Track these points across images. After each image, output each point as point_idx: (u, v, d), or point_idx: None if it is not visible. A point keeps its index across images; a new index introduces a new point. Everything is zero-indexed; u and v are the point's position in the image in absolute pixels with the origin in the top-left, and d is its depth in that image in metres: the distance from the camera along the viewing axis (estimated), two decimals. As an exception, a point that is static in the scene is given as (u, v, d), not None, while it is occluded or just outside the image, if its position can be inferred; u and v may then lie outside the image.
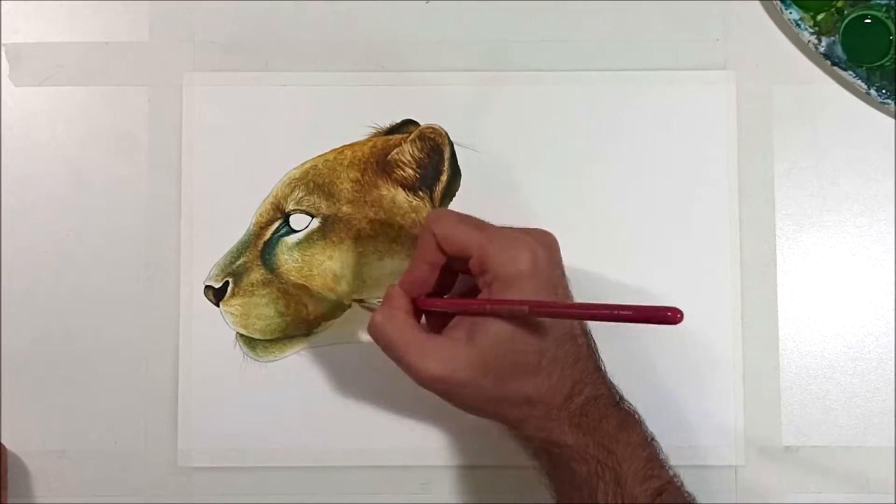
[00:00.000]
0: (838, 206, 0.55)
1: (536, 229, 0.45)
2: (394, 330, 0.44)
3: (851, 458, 0.53)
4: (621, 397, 0.45)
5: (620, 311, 0.39)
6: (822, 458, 0.53)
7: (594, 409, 0.44)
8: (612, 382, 0.45)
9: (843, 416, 0.53)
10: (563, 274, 0.45)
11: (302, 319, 0.54)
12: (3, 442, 0.53)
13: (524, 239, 0.43)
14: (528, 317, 0.42)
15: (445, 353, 0.43)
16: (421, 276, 0.46)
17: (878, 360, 0.54)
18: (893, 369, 0.54)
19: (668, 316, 0.37)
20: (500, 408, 0.44)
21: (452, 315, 0.45)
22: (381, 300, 0.47)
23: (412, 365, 0.43)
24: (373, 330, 0.45)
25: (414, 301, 0.46)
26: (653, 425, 0.53)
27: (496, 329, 0.42)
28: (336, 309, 0.54)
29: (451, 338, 0.44)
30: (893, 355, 0.54)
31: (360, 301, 0.53)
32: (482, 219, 0.45)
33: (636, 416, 0.45)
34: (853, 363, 0.54)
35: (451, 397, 0.44)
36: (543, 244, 0.44)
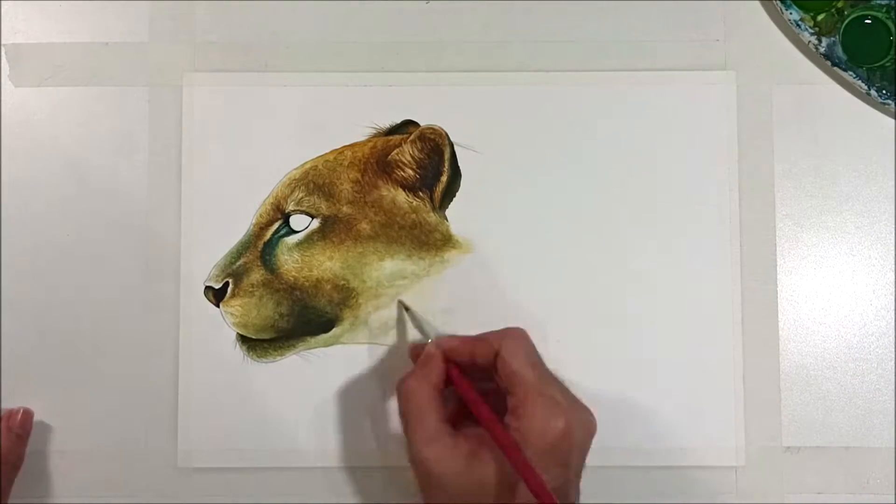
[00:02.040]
0: (838, 206, 0.55)
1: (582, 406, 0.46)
2: (419, 402, 0.46)
3: (851, 458, 0.53)
4: None
5: None
6: (822, 458, 0.53)
7: None
8: None
9: (843, 416, 0.54)
10: (583, 459, 0.46)
11: (302, 320, 0.54)
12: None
13: (572, 417, 0.44)
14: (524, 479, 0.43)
15: (447, 455, 0.45)
16: (465, 351, 0.48)
17: (878, 360, 0.54)
18: (893, 369, 0.54)
19: None
20: None
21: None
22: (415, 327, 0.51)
23: (415, 443, 0.45)
24: (403, 390, 0.46)
25: (447, 366, 0.47)
26: (653, 425, 0.53)
27: (498, 468, 0.44)
28: (337, 310, 0.54)
29: (458, 443, 0.45)
30: (893, 355, 0.54)
31: (406, 308, 0.53)
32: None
33: None
34: (853, 363, 0.54)
35: (427, 490, 0.45)
36: (580, 429, 0.45)
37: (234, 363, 0.53)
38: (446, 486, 0.44)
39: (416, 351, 0.50)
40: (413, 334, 0.53)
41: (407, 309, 0.53)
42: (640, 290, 0.54)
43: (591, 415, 0.46)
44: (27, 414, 0.53)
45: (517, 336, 0.47)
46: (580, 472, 0.46)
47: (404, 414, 0.46)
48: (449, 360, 0.48)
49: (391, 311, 0.54)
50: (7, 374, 0.54)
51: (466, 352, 0.48)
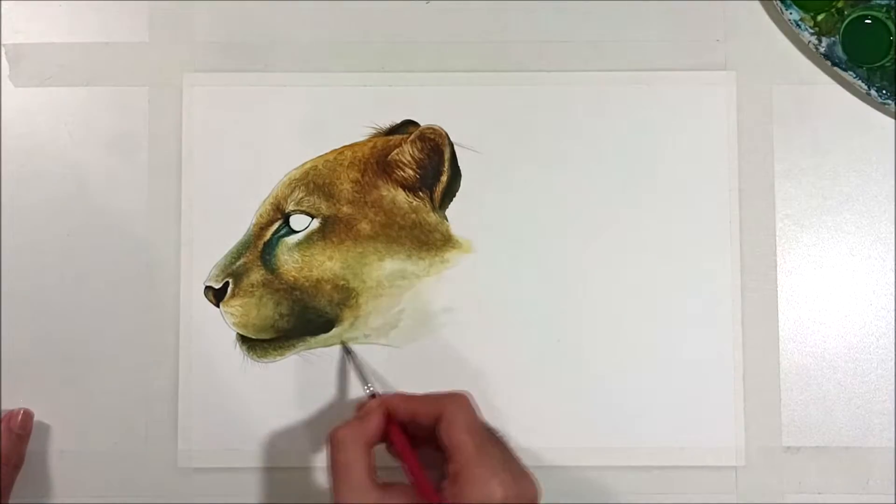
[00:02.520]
0: (838, 206, 0.55)
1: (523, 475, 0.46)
2: (348, 454, 0.46)
3: (851, 458, 0.53)
4: None
5: None
6: (822, 458, 0.53)
7: None
8: None
9: (843, 416, 0.54)
10: None
11: (302, 320, 0.54)
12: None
13: (511, 490, 0.44)
14: None
15: None
16: (407, 410, 0.48)
17: (878, 360, 0.54)
18: (893, 369, 0.54)
19: None
20: None
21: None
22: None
23: (338, 495, 0.45)
24: (334, 439, 0.46)
25: (387, 422, 0.47)
26: (653, 426, 0.53)
27: None
28: (337, 310, 0.54)
29: (383, 500, 0.45)
30: (893, 355, 0.54)
31: (348, 352, 0.53)
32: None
33: None
34: (853, 363, 0.54)
35: None
36: (524, 498, 0.45)
37: (234, 363, 0.53)
38: None
39: (361, 405, 0.50)
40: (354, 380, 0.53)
41: (349, 352, 0.53)
42: (640, 289, 0.54)
43: (533, 485, 0.45)
44: (27, 414, 0.53)
45: (460, 402, 0.47)
46: None
47: (332, 464, 0.46)
48: (391, 416, 0.48)
49: (391, 311, 0.54)
50: (7, 374, 0.54)
51: (409, 410, 0.47)
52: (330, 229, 0.54)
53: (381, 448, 0.48)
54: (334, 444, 0.46)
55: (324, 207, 0.54)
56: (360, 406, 0.50)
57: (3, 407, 0.53)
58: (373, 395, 0.50)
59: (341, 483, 0.45)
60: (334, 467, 0.46)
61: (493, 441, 0.46)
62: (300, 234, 0.54)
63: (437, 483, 0.45)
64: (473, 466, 0.44)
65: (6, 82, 0.55)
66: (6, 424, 0.52)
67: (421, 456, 0.47)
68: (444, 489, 0.45)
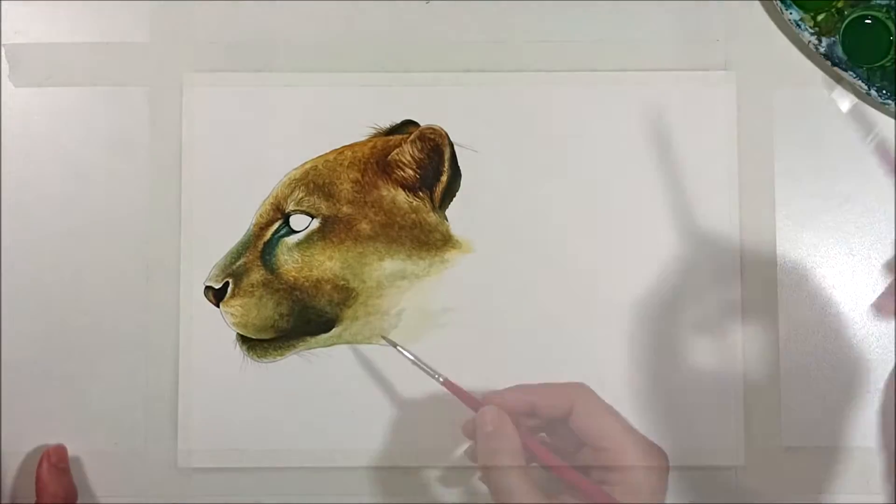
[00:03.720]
0: (838, 206, 0.55)
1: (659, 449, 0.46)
2: (510, 479, 0.44)
3: (851, 458, 0.53)
4: None
5: None
6: (822, 458, 0.53)
7: None
8: None
9: (843, 416, 0.53)
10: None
11: (302, 320, 0.54)
12: (2, 441, 0.53)
13: (660, 453, 0.45)
14: None
15: None
16: (523, 404, 0.47)
17: (878, 361, 0.54)
18: (893, 369, 0.54)
19: None
20: None
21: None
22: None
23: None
24: (494, 479, 0.45)
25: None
26: (653, 426, 0.53)
27: None
28: (337, 310, 0.54)
29: None
30: (893, 355, 0.54)
31: (386, 339, 0.52)
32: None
33: None
34: (853, 363, 0.54)
35: None
36: (667, 466, 0.46)
37: (234, 363, 0.53)
38: None
39: (468, 426, 0.48)
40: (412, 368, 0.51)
41: (395, 346, 0.51)
42: (641, 289, 0.54)
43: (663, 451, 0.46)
44: (61, 448, 0.53)
45: (588, 392, 0.47)
46: None
47: (498, 490, 0.44)
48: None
49: (391, 311, 0.54)
50: (7, 374, 0.54)
51: (528, 403, 0.47)
52: (330, 229, 0.54)
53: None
54: (489, 452, 0.45)
55: (324, 207, 0.54)
56: (467, 427, 0.48)
57: (3, 407, 0.53)
58: (445, 382, 0.49)
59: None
60: (499, 485, 0.44)
61: (625, 419, 0.47)
62: (300, 234, 0.54)
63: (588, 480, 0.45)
64: (631, 446, 0.45)
65: (6, 82, 0.55)
66: (48, 463, 0.51)
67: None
68: (604, 482, 0.45)
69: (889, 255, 0.54)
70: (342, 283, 0.54)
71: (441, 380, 0.49)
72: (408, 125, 0.55)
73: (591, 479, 0.45)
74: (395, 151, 0.54)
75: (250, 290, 0.54)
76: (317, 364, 0.54)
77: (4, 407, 0.53)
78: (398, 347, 0.50)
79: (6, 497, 0.53)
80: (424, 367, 0.49)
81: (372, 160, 0.54)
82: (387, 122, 0.55)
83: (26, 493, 0.53)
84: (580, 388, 0.47)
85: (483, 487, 0.48)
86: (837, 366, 0.54)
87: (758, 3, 0.56)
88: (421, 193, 0.54)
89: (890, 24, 0.54)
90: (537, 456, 0.46)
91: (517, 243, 0.54)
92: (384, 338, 0.52)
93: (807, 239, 0.54)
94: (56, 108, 0.55)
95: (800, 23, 0.54)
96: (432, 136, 0.54)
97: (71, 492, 0.52)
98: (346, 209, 0.54)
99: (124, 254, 0.54)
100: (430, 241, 0.54)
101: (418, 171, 0.54)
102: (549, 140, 0.54)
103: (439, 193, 0.54)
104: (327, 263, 0.54)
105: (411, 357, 0.50)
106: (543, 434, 0.49)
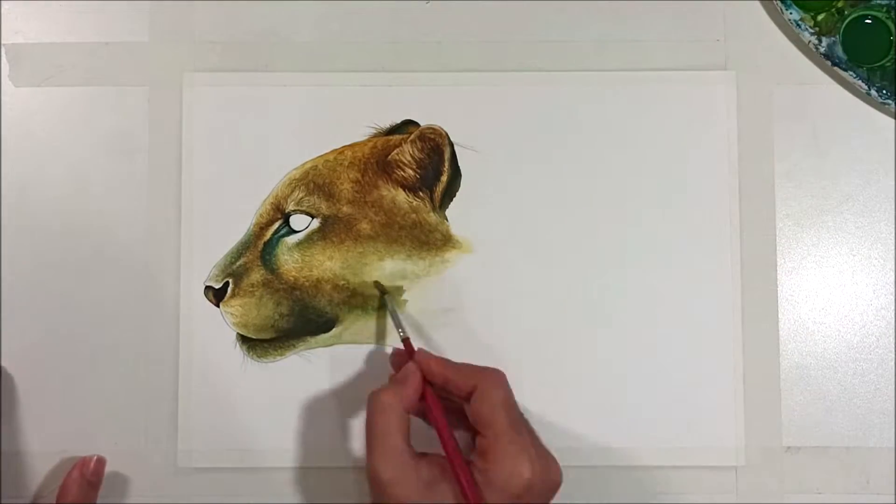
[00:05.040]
0: (838, 206, 0.55)
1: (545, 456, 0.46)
2: (389, 420, 0.45)
3: (851, 458, 0.53)
4: None
5: None
6: (822, 458, 0.53)
7: None
8: None
9: (843, 416, 0.54)
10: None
11: (302, 320, 0.54)
12: (2, 441, 0.53)
13: (539, 468, 0.44)
14: None
15: (405, 479, 0.44)
16: (440, 375, 0.47)
17: (878, 360, 0.54)
18: (893, 369, 0.54)
19: None
20: None
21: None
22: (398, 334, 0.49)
23: (376, 461, 0.45)
24: (376, 404, 0.46)
25: (424, 388, 0.47)
26: (653, 425, 0.53)
27: (452, 501, 0.44)
28: (337, 310, 0.54)
29: (419, 469, 0.45)
30: (893, 355, 0.54)
31: (378, 285, 0.53)
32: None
33: None
34: (853, 363, 0.54)
35: None
36: (545, 482, 0.45)
37: (234, 363, 0.53)
38: None
39: (398, 359, 0.51)
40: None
41: (384, 293, 0.53)
42: (641, 289, 0.54)
43: (558, 468, 0.46)
44: (101, 462, 0.52)
45: (495, 378, 0.47)
46: None
47: (371, 429, 0.46)
48: (425, 379, 0.48)
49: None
50: (7, 374, 0.54)
51: (442, 376, 0.47)
52: (330, 229, 0.54)
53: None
54: (375, 408, 0.46)
55: (324, 207, 0.54)
56: (395, 359, 0.50)
57: (4, 406, 0.53)
58: (405, 340, 0.50)
59: (377, 449, 0.45)
60: (372, 432, 0.46)
61: (523, 421, 0.46)
62: (300, 234, 0.54)
63: (465, 456, 0.45)
64: (505, 443, 0.44)
65: (6, 82, 0.55)
66: (79, 472, 0.51)
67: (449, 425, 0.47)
68: (473, 463, 0.45)
69: (889, 254, 0.54)
70: (342, 283, 0.54)
71: (402, 336, 0.50)
72: (408, 125, 0.55)
73: (471, 465, 0.45)
74: (395, 151, 0.54)
75: (250, 290, 0.54)
76: (317, 364, 0.54)
77: (4, 407, 0.53)
78: (385, 297, 0.52)
79: (6, 497, 0.53)
80: (398, 321, 0.51)
81: (372, 160, 0.54)
82: (387, 122, 0.55)
83: (27, 493, 0.53)
84: (491, 374, 0.47)
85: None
86: (837, 366, 0.54)
87: (758, 3, 0.56)
88: (421, 193, 0.54)
89: (890, 24, 0.54)
90: (431, 410, 0.47)
91: (517, 243, 0.54)
92: (376, 283, 0.53)
93: (807, 239, 0.54)
94: (56, 108, 0.55)
95: (800, 23, 0.54)
96: (432, 136, 0.54)
97: None
98: (346, 209, 0.54)
99: (124, 254, 0.54)
100: (430, 241, 0.54)
101: (418, 171, 0.54)
102: (549, 140, 0.54)
103: (439, 193, 0.54)
104: (327, 263, 0.54)
105: (390, 308, 0.51)
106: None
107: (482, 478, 0.44)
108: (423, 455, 0.46)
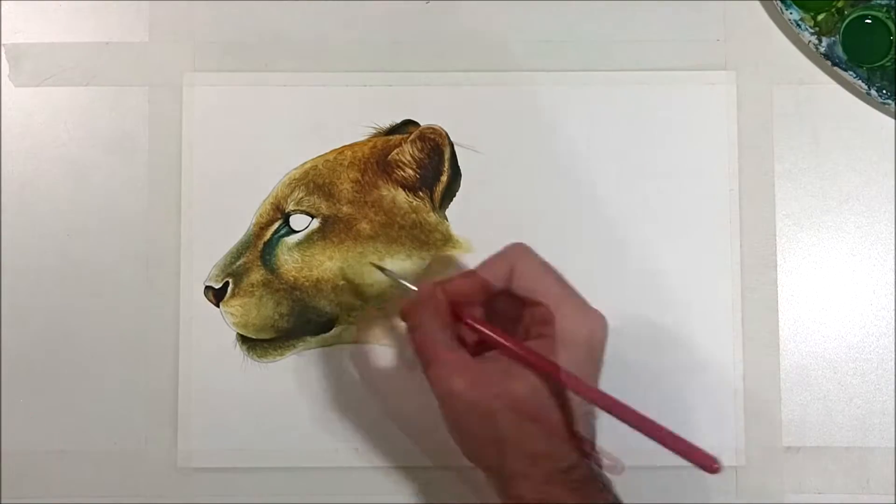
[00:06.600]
0: (838, 206, 0.55)
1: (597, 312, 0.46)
2: (435, 335, 0.44)
3: (851, 458, 0.53)
4: (605, 485, 0.45)
5: (660, 434, 0.44)
6: (822, 458, 0.53)
7: (592, 485, 0.44)
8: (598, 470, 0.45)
9: (843, 416, 0.54)
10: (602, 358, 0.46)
11: (302, 320, 0.54)
12: (2, 441, 0.53)
13: (597, 313, 0.45)
14: (566, 386, 0.43)
15: (480, 379, 0.43)
16: (469, 289, 0.45)
17: (878, 360, 0.54)
18: (893, 369, 0.54)
19: (705, 462, 0.43)
20: (504, 455, 0.43)
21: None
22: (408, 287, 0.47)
23: (443, 378, 0.43)
24: (416, 325, 0.44)
25: (453, 308, 0.45)
26: (653, 425, 0.53)
27: (533, 381, 0.43)
28: (337, 310, 0.54)
29: (487, 367, 0.44)
30: (893, 355, 0.54)
31: (382, 269, 0.52)
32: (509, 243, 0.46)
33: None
34: (853, 363, 0.54)
35: (464, 424, 0.43)
36: (604, 327, 0.45)
37: (234, 363, 0.53)
38: (489, 411, 0.42)
39: (408, 308, 0.47)
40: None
41: (383, 270, 0.52)
42: (640, 289, 0.54)
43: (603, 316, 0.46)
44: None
45: (523, 250, 0.46)
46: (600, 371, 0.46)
47: (422, 351, 0.44)
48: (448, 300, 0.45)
49: (391, 312, 0.54)
50: (7, 374, 0.54)
51: (471, 284, 0.45)
52: (330, 229, 0.54)
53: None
54: (419, 329, 0.44)
55: (324, 207, 0.54)
56: (408, 311, 0.46)
57: (4, 406, 0.53)
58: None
59: (441, 364, 0.43)
60: (427, 353, 0.44)
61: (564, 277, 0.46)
62: (300, 234, 0.54)
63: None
64: (566, 299, 0.44)
65: (6, 82, 0.55)
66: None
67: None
68: (540, 335, 0.44)
69: (889, 254, 0.54)
70: (342, 283, 0.54)
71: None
72: (408, 125, 0.55)
73: (531, 336, 0.44)
74: (395, 151, 0.54)
75: (250, 289, 0.54)
76: (317, 364, 0.54)
77: (4, 407, 0.53)
78: (386, 271, 0.51)
79: (6, 497, 0.53)
80: (405, 284, 0.48)
81: (372, 160, 0.54)
82: (387, 122, 0.55)
83: (28, 492, 0.53)
84: (518, 249, 0.46)
85: (486, 486, 0.48)
86: (837, 366, 0.54)
87: (758, 3, 0.56)
88: (421, 193, 0.54)
89: (890, 24, 0.54)
90: (477, 325, 0.45)
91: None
92: (373, 264, 0.53)
93: (807, 239, 0.54)
94: (56, 108, 0.55)
95: (800, 23, 0.54)
96: (432, 136, 0.54)
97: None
98: (346, 209, 0.54)
99: (124, 254, 0.54)
100: (430, 241, 0.54)
101: (418, 170, 0.54)
102: (550, 140, 0.54)
103: (439, 193, 0.54)
104: (327, 263, 0.54)
105: (393, 274, 0.50)
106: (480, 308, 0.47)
107: (554, 343, 0.43)
108: (481, 355, 0.44)
